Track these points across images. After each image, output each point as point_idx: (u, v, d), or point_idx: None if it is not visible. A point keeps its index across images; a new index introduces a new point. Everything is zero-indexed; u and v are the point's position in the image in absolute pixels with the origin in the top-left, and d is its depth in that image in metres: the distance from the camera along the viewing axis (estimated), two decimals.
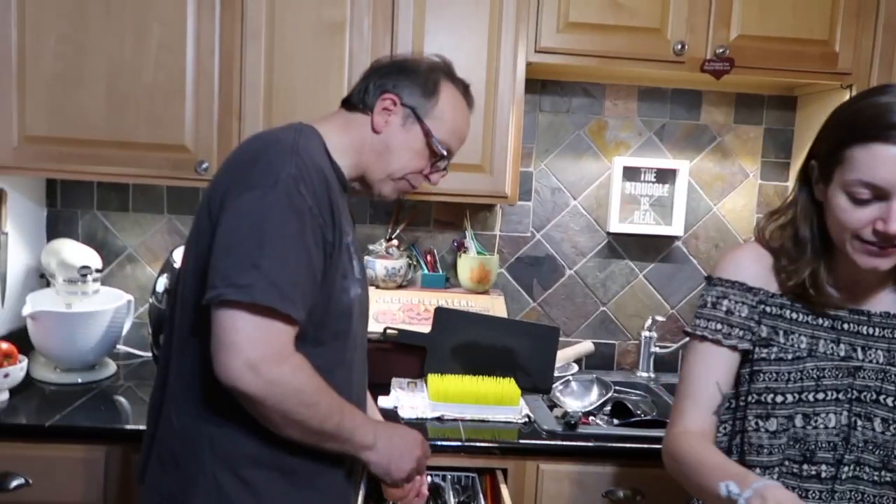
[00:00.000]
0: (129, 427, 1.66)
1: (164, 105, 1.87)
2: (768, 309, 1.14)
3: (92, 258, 1.97)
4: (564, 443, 1.72)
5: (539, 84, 2.29)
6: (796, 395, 1.11)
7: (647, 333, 2.29)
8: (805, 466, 1.11)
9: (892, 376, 1.10)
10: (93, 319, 1.88)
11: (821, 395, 1.10)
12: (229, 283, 1.02)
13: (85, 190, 2.23)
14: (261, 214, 1.05)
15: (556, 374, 2.08)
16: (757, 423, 1.13)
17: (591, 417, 1.93)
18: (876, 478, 1.10)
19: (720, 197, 2.36)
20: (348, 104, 1.30)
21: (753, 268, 1.16)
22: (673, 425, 1.16)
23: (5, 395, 1.74)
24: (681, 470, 1.09)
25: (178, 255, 1.95)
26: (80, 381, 1.92)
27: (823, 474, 1.10)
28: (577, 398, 2.02)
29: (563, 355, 2.23)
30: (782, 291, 1.15)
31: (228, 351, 1.01)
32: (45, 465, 1.62)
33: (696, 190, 2.35)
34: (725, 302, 1.15)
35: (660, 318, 2.31)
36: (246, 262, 1.02)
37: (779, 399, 1.11)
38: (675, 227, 2.31)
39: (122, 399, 1.84)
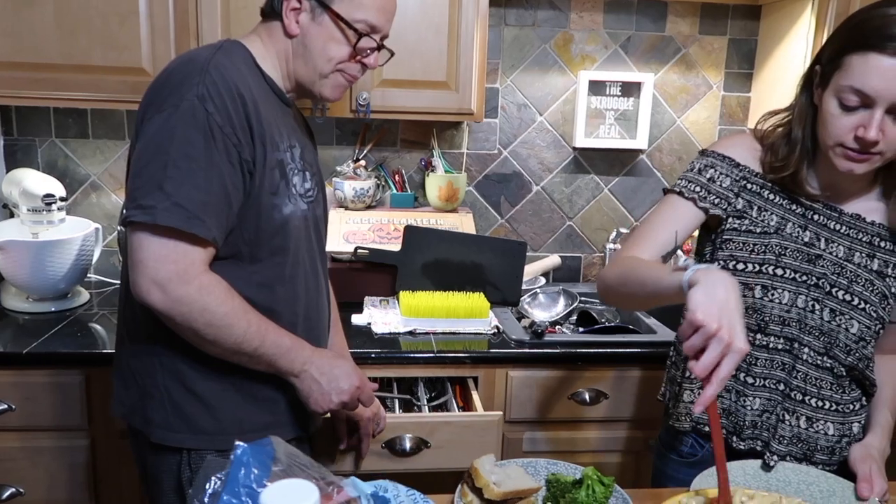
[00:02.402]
0: (106, 351, 1.69)
1: (117, 26, 1.80)
2: (749, 185, 1.22)
3: (55, 187, 1.94)
4: (532, 350, 1.80)
5: None
6: (757, 266, 1.18)
7: (611, 245, 2.36)
8: (759, 336, 1.20)
9: (848, 272, 1.17)
10: (61, 248, 1.88)
11: (780, 272, 1.18)
12: (136, 205, 1.05)
13: (41, 117, 2.17)
14: (166, 136, 1.06)
15: (524, 287, 2.15)
16: None
17: (557, 327, 2.01)
18: (819, 362, 1.19)
19: (684, 109, 2.39)
20: (265, 14, 1.25)
21: (744, 151, 1.23)
22: (621, 252, 1.24)
23: None
24: (622, 273, 1.14)
25: None
26: (53, 309, 1.93)
27: (771, 345, 1.20)
28: (545, 309, 2.10)
29: (531, 269, 2.29)
30: (766, 177, 1.21)
31: (136, 270, 1.06)
32: (27, 390, 1.66)
33: (660, 103, 2.37)
34: (711, 171, 1.23)
35: (624, 231, 2.37)
36: (151, 183, 1.05)
37: (740, 267, 1.19)
38: (640, 141, 2.35)
39: (97, 326, 1.86)
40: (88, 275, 2.14)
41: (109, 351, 1.69)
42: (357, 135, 2.26)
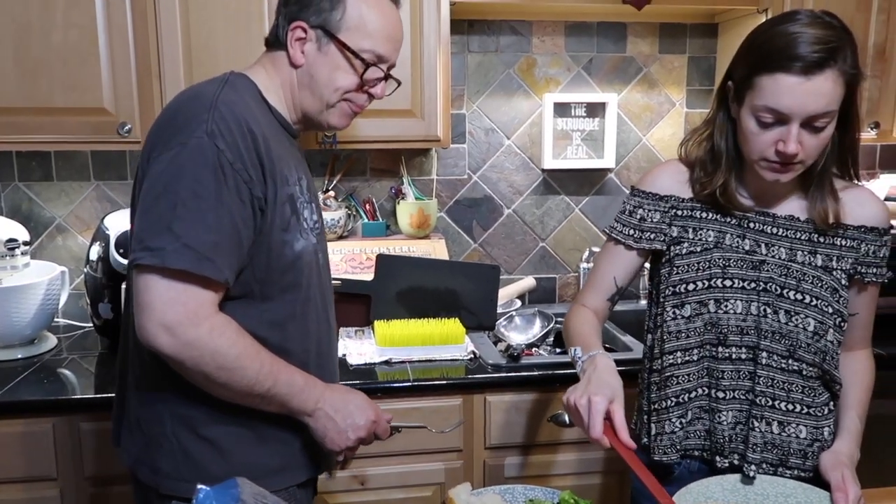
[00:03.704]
0: (75, 397, 1.66)
1: (78, 67, 1.79)
2: (679, 212, 1.27)
3: (17, 231, 1.91)
4: (509, 374, 1.79)
5: (466, 24, 2.27)
6: (706, 282, 1.22)
7: (585, 265, 2.37)
8: (720, 349, 1.22)
9: (794, 272, 1.20)
10: (25, 293, 1.84)
11: (728, 283, 1.21)
12: (144, 247, 1.02)
13: (4, 161, 2.14)
14: (174, 175, 1.03)
15: (499, 310, 2.14)
16: (674, 312, 1.24)
17: (534, 349, 2.00)
18: (784, 365, 1.20)
19: (649, 127, 2.42)
20: (269, 44, 1.24)
21: (669, 180, 1.29)
22: (576, 300, 1.39)
23: None
24: (565, 333, 1.33)
25: (109, 222, 1.91)
26: (20, 356, 1.89)
27: (734, 356, 1.22)
28: (521, 332, 2.09)
29: (506, 292, 2.29)
30: (696, 199, 1.26)
31: (144, 313, 1.02)
32: None
33: (625, 122, 2.40)
34: (640, 211, 1.30)
35: (596, 250, 2.37)
36: (159, 224, 1.02)
37: (690, 287, 1.23)
38: (607, 160, 2.37)
39: (65, 371, 1.82)
40: (56, 319, 2.10)
41: (78, 397, 1.66)
42: (325, 165, 2.26)
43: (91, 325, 2.02)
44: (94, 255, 1.89)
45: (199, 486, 0.81)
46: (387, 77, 1.23)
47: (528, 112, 2.35)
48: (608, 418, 1.08)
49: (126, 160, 2.19)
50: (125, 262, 1.83)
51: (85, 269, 1.94)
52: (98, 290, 1.89)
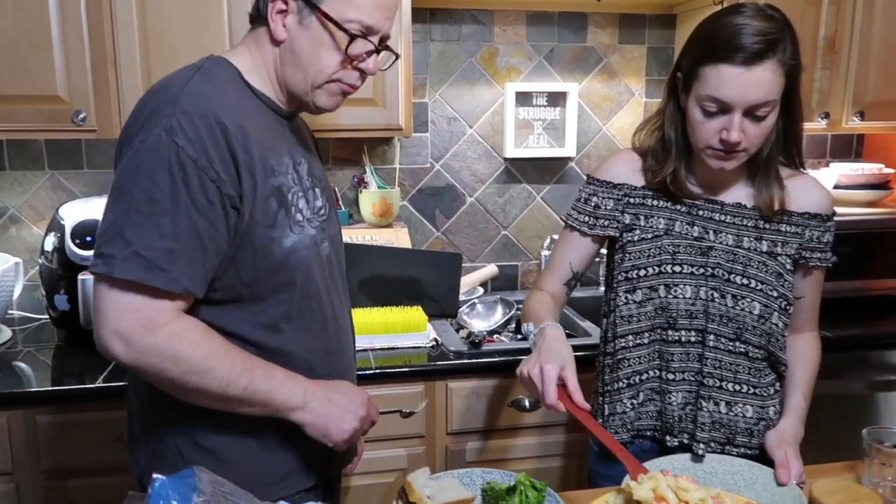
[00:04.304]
0: (31, 390, 1.63)
1: (30, 54, 1.75)
2: (632, 200, 1.31)
3: None
4: (470, 361, 1.82)
5: (428, 13, 2.27)
6: (656, 268, 1.26)
7: (546, 252, 2.40)
8: (670, 332, 1.27)
9: (741, 257, 1.25)
10: None
11: (678, 268, 1.26)
12: (98, 252, 0.98)
13: None
14: (130, 176, 0.97)
15: (462, 298, 2.16)
16: (626, 297, 1.29)
17: (495, 335, 2.03)
18: (731, 348, 1.25)
19: (609, 116, 2.46)
20: (253, 20, 1.13)
21: (623, 168, 1.33)
22: (536, 284, 1.43)
23: None
24: (523, 316, 1.36)
25: (65, 213, 1.88)
26: None
27: (683, 339, 1.26)
28: (483, 319, 2.12)
29: (469, 280, 2.31)
30: (649, 187, 1.30)
31: (98, 320, 0.98)
32: None
33: (585, 111, 2.44)
34: (595, 198, 1.34)
35: (557, 237, 2.41)
36: (113, 229, 0.97)
37: (642, 273, 1.27)
38: (568, 149, 2.40)
39: (21, 364, 1.79)
40: (10, 311, 2.06)
41: (34, 390, 1.63)
42: None
43: (47, 317, 1.98)
44: (49, 246, 1.86)
45: (155, 476, 0.81)
46: (379, 50, 1.11)
47: (490, 101, 2.37)
48: (562, 384, 1.11)
49: (81, 149, 2.15)
50: (82, 252, 1.81)
51: (40, 261, 1.91)
52: (54, 282, 1.86)
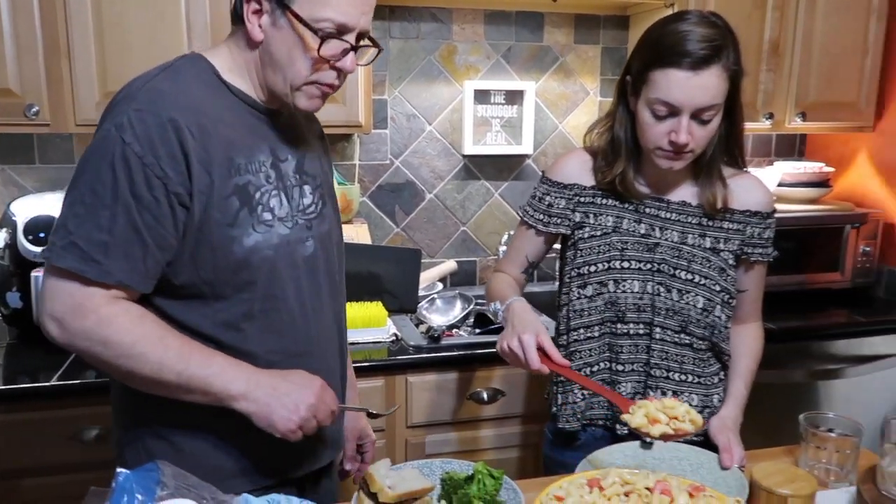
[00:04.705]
0: None
1: None
2: (581, 199, 1.36)
3: None
4: (430, 355, 1.85)
5: (387, 10, 2.29)
6: (605, 264, 1.32)
7: (504, 248, 2.45)
8: (619, 325, 1.32)
9: (685, 253, 1.31)
10: None
11: (626, 264, 1.31)
12: (49, 240, 1.03)
13: None
14: (80, 169, 1.02)
15: (421, 293, 2.19)
16: (578, 293, 1.34)
17: (454, 330, 2.06)
18: (677, 339, 1.31)
19: (565, 115, 2.51)
20: (233, 19, 1.12)
21: (573, 169, 1.38)
22: (496, 268, 1.51)
23: None
24: (487, 295, 1.43)
25: (16, 208, 1.84)
26: None
27: (631, 331, 1.32)
28: (442, 314, 2.15)
29: (428, 275, 2.34)
30: (598, 186, 1.35)
31: (39, 303, 1.05)
32: None
33: (542, 109, 2.48)
34: (548, 197, 1.39)
35: (515, 230, 2.46)
36: (60, 219, 1.02)
37: (592, 269, 1.33)
38: (525, 146, 2.45)
39: None
40: None
41: None
42: None
43: None
44: (0, 243, 1.82)
45: (119, 470, 0.82)
46: (356, 48, 1.08)
47: (449, 98, 2.40)
48: (540, 349, 1.18)
49: (33, 143, 2.10)
50: (35, 249, 1.78)
51: None
52: (6, 279, 1.82)
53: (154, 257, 1.02)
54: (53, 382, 1.62)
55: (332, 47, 1.05)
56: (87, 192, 0.99)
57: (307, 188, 1.17)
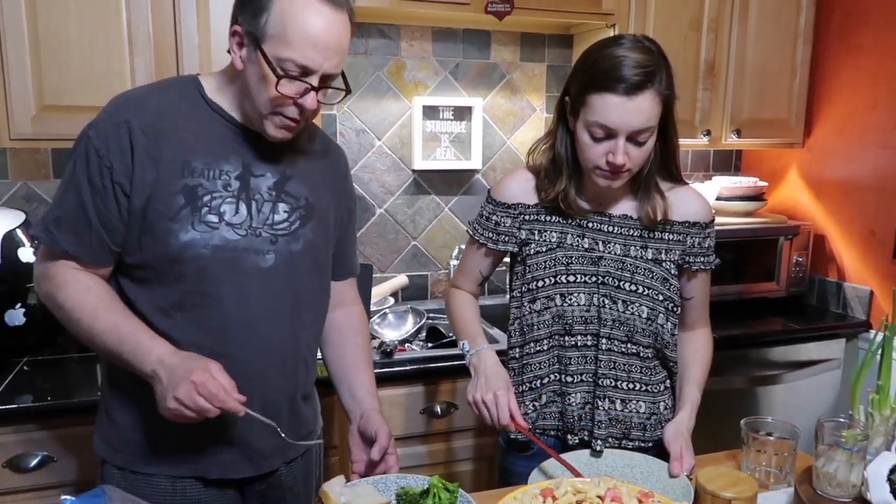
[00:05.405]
0: None
1: None
2: (526, 217, 1.40)
3: None
4: (383, 370, 1.84)
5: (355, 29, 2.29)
6: (552, 279, 1.35)
7: (455, 262, 2.47)
8: (567, 338, 1.35)
9: (629, 265, 1.35)
10: None
11: (571, 278, 1.34)
12: None
13: None
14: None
15: (373, 308, 2.19)
16: (529, 307, 1.37)
17: (406, 344, 2.07)
18: (624, 349, 1.35)
19: (512, 131, 2.56)
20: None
21: (516, 189, 1.41)
22: (452, 282, 1.56)
23: None
24: (449, 314, 1.51)
25: None
26: None
27: (579, 343, 1.35)
28: (394, 329, 2.15)
29: (380, 290, 2.34)
30: (542, 204, 1.39)
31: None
32: None
33: (490, 125, 2.53)
34: (494, 217, 1.43)
35: (465, 246, 2.48)
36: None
37: (540, 284, 1.36)
38: (474, 161, 2.48)
39: None
40: None
41: None
42: None
43: None
44: None
45: (64, 497, 0.79)
46: (316, 89, 1.13)
47: (398, 114, 2.41)
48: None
49: None
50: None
51: None
52: None
53: (99, 235, 1.16)
54: None
55: (288, 87, 1.12)
56: (65, 177, 1.18)
57: (282, 206, 1.23)
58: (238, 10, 1.15)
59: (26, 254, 1.81)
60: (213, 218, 1.16)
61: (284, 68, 1.10)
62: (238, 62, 1.15)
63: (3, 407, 1.56)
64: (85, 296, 1.15)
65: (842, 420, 1.23)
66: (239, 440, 1.22)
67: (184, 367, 1.08)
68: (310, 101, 1.14)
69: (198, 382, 1.06)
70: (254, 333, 1.20)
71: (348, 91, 1.20)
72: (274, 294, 1.22)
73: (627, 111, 1.20)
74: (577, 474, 1.20)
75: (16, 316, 1.80)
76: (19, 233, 1.82)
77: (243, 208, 1.18)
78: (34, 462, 1.58)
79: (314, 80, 1.13)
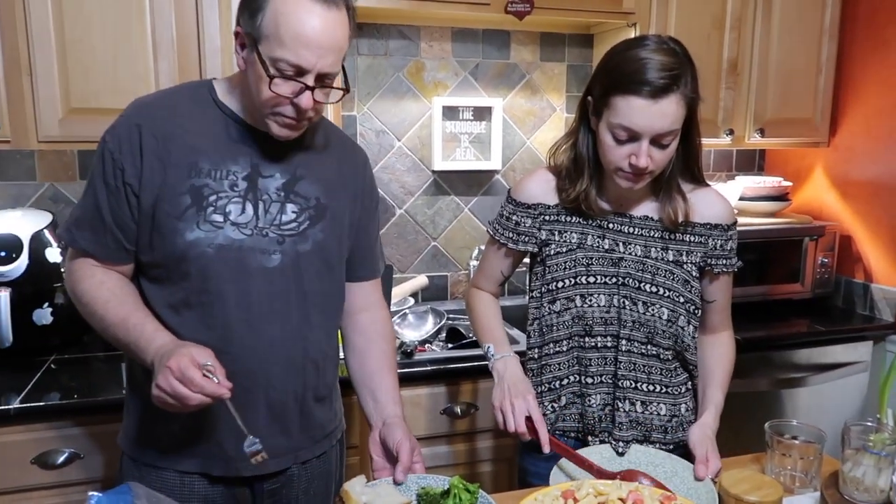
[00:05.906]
0: None
1: None
2: (546, 217, 1.39)
3: None
4: (403, 370, 1.84)
5: (355, 27, 2.30)
6: (573, 280, 1.34)
7: (475, 263, 2.46)
8: (587, 339, 1.35)
9: (649, 267, 1.34)
10: None
11: (592, 279, 1.34)
12: None
13: None
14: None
15: (393, 308, 2.19)
16: (549, 308, 1.37)
17: (427, 345, 2.07)
18: (644, 351, 1.34)
19: (532, 131, 2.55)
20: None
21: (537, 189, 1.41)
22: (473, 283, 1.57)
23: None
24: (471, 315, 1.52)
25: None
26: None
27: (599, 344, 1.34)
28: (414, 329, 2.15)
29: (400, 291, 2.35)
30: (562, 204, 1.38)
31: None
32: None
33: (510, 125, 2.52)
34: (514, 217, 1.43)
35: (485, 246, 2.48)
36: None
37: (560, 284, 1.35)
38: (494, 162, 2.48)
39: None
40: None
41: None
42: None
43: None
44: None
45: (91, 494, 0.80)
46: (311, 88, 1.13)
47: (418, 115, 2.42)
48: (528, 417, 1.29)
49: None
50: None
51: None
52: None
53: (113, 234, 1.21)
54: (16, 406, 1.58)
55: (282, 87, 1.12)
56: (88, 179, 1.23)
57: (291, 206, 1.23)
58: (239, 11, 1.16)
59: (53, 254, 1.84)
60: (219, 217, 1.18)
61: (279, 68, 1.11)
62: (240, 62, 1.18)
63: (32, 404, 1.59)
64: (98, 290, 1.21)
65: (869, 423, 1.21)
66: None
67: (168, 355, 1.06)
68: (305, 100, 1.13)
69: (173, 368, 1.04)
70: (256, 332, 1.21)
71: (347, 90, 1.20)
72: (278, 294, 1.22)
73: (652, 114, 1.19)
74: (599, 476, 1.19)
75: (43, 315, 1.83)
76: (46, 233, 1.85)
77: (250, 208, 1.20)
78: (61, 459, 1.61)
79: (309, 80, 1.12)
